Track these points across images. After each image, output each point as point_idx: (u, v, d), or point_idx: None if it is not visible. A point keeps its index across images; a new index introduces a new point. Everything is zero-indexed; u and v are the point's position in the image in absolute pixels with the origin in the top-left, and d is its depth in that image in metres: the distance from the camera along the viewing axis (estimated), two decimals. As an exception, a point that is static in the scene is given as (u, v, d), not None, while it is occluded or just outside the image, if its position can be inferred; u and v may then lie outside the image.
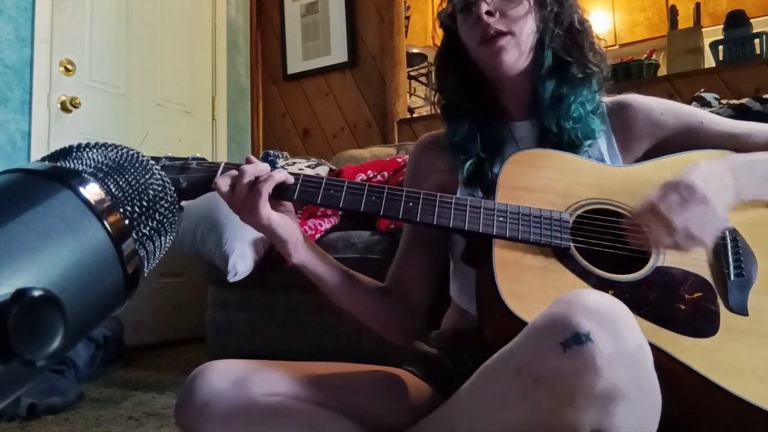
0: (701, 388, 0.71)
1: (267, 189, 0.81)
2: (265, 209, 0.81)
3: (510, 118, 1.00)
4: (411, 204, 0.82)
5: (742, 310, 0.77)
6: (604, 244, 0.80)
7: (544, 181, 0.86)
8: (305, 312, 1.99)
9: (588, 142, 0.93)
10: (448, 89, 1.02)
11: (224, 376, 0.78)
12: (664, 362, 0.67)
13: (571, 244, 0.79)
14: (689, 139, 0.94)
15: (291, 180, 0.84)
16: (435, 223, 0.81)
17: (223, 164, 0.85)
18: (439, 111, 1.05)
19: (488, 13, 0.90)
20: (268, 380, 0.80)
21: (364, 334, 1.53)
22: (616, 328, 0.58)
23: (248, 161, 0.85)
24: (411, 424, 0.83)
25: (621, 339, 0.58)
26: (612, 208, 0.84)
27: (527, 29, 0.93)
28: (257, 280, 1.99)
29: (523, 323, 0.68)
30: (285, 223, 0.85)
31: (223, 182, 0.82)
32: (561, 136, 0.93)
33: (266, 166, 0.83)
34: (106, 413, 1.67)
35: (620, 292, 0.75)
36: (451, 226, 0.81)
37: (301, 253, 0.88)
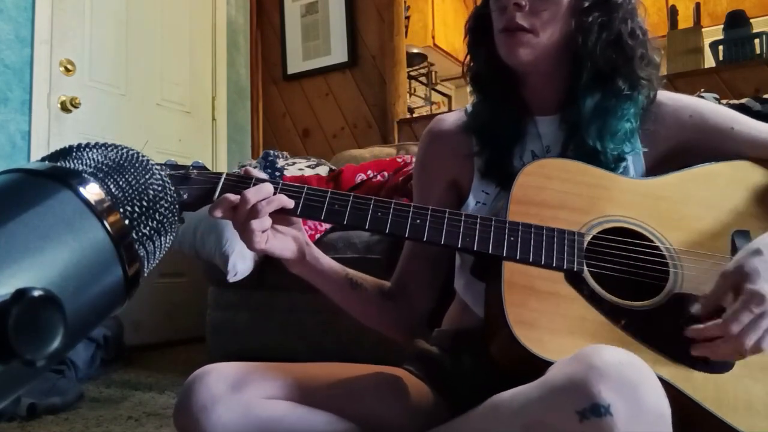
0: (712, 424, 0.69)
1: (259, 225, 0.78)
2: (258, 241, 0.79)
3: (532, 112, 0.96)
4: (419, 221, 0.79)
5: None
6: (619, 268, 0.76)
7: (559, 195, 0.81)
8: (305, 312, 1.99)
9: (623, 164, 0.88)
10: (479, 58, 0.96)
11: (222, 380, 0.77)
12: (675, 397, 0.66)
13: (585, 268, 0.76)
14: (717, 143, 0.90)
15: (290, 204, 0.80)
16: (443, 242, 0.78)
17: (223, 178, 0.81)
18: (468, 77, 0.99)
19: (517, 4, 0.86)
20: (265, 383, 0.80)
21: (364, 334, 1.53)
22: (637, 398, 0.56)
23: (247, 174, 0.81)
24: (410, 425, 0.83)
25: (642, 410, 0.56)
26: (630, 227, 0.80)
27: (553, 32, 0.87)
28: (257, 280, 2.00)
29: (530, 353, 0.67)
30: (282, 246, 0.83)
31: (224, 207, 0.78)
32: (597, 154, 0.87)
33: (269, 189, 0.79)
34: (106, 413, 1.67)
35: (633, 321, 0.73)
36: (459, 246, 0.78)
37: (300, 268, 0.88)
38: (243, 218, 0.78)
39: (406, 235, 0.78)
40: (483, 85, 0.97)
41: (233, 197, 0.78)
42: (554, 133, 0.93)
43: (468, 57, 0.99)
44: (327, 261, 0.91)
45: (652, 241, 0.79)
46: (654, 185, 0.85)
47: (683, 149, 0.91)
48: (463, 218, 0.78)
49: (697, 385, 0.70)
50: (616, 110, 0.88)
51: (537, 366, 0.67)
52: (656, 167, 0.92)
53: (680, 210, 0.82)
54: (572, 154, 0.89)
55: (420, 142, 1.05)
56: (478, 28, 0.96)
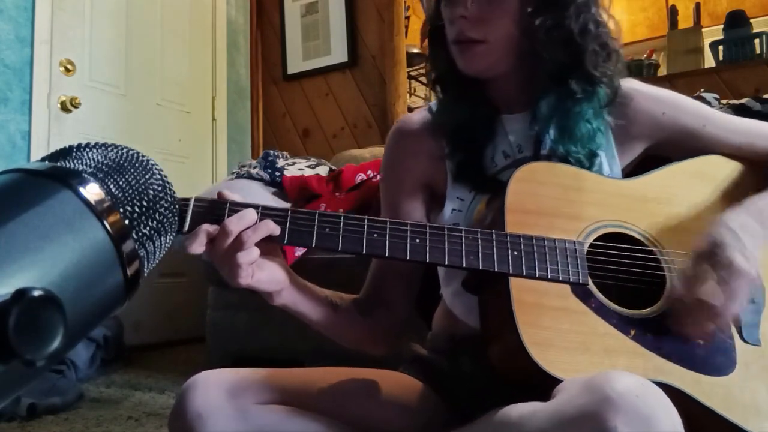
0: (721, 428, 0.70)
1: (246, 259, 0.69)
2: (245, 275, 0.70)
3: (499, 110, 0.93)
4: (418, 241, 0.74)
5: (755, 341, 0.76)
6: (618, 276, 0.77)
7: (553, 201, 0.80)
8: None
9: (597, 161, 0.87)
10: (440, 64, 0.93)
11: (217, 388, 0.76)
12: (687, 404, 0.67)
13: (590, 280, 0.75)
14: (691, 141, 0.89)
15: (277, 231, 0.71)
16: (447, 263, 0.73)
17: (192, 203, 0.70)
18: (430, 81, 0.96)
19: (463, 17, 0.84)
20: (261, 390, 0.79)
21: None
22: (651, 427, 0.55)
23: (221, 198, 0.72)
24: (410, 427, 0.83)
25: None
26: (623, 231, 0.80)
27: (503, 39, 0.85)
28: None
29: (548, 374, 0.67)
30: (268, 279, 0.75)
31: (199, 243, 0.68)
32: (567, 160, 0.85)
33: (252, 215, 0.70)
34: (106, 413, 1.67)
35: (642, 331, 0.73)
36: (464, 265, 0.74)
37: (283, 298, 0.79)
38: (225, 252, 0.69)
39: (408, 258, 0.73)
40: (447, 87, 0.94)
41: (211, 228, 0.69)
42: (523, 131, 0.91)
43: (428, 63, 0.97)
44: (309, 285, 0.84)
45: (645, 245, 0.80)
46: (639, 186, 0.85)
47: (658, 146, 0.91)
48: (463, 234, 0.75)
49: (707, 390, 0.71)
50: (572, 113, 0.85)
51: (548, 383, 0.67)
52: (633, 165, 0.92)
53: (667, 210, 0.83)
54: (546, 153, 0.88)
55: (387, 142, 0.99)
56: (435, 37, 0.93)
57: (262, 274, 0.73)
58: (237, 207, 0.71)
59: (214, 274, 2.06)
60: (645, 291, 0.77)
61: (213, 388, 0.76)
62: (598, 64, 0.84)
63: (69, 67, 2.58)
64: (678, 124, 0.89)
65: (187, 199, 0.70)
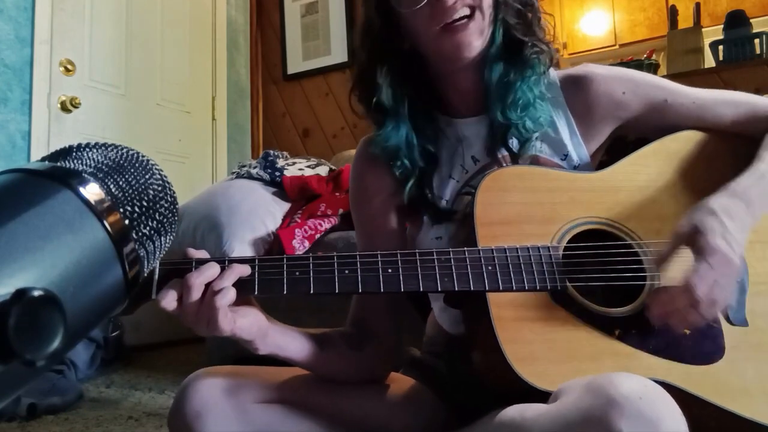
0: (715, 416, 0.70)
1: (223, 300, 0.66)
2: (226, 321, 0.67)
3: (457, 115, 0.90)
4: (390, 271, 0.72)
5: (742, 322, 0.76)
6: (598, 277, 0.75)
7: (520, 207, 0.78)
8: (305, 312, 1.99)
9: (536, 135, 0.85)
10: (381, 88, 0.86)
11: (215, 386, 0.76)
12: (678, 397, 0.67)
13: (568, 284, 0.74)
14: (655, 118, 0.88)
15: (247, 271, 0.70)
16: (422, 289, 0.72)
17: (156, 268, 0.68)
18: (367, 112, 0.91)
19: None
20: (259, 388, 0.79)
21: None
22: (656, 430, 0.55)
23: (188, 256, 0.70)
24: (409, 427, 0.83)
25: None
26: (599, 227, 0.79)
27: (488, 3, 0.82)
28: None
29: (536, 389, 0.66)
30: (249, 323, 0.71)
31: (168, 299, 0.66)
32: (508, 128, 0.84)
33: (215, 268, 0.68)
34: (106, 413, 1.67)
35: (626, 329, 0.73)
36: (440, 288, 0.73)
37: (269, 344, 0.75)
38: (196, 304, 0.66)
39: (382, 290, 0.71)
40: (388, 116, 0.88)
41: (174, 283, 0.67)
42: (476, 134, 0.89)
43: (364, 89, 0.90)
44: (292, 327, 0.80)
45: (622, 239, 0.78)
46: (609, 176, 0.83)
47: (627, 126, 0.89)
48: (435, 257, 0.73)
49: (698, 380, 0.71)
50: (519, 79, 0.84)
51: (539, 393, 0.66)
52: (601, 150, 0.91)
53: (640, 199, 0.81)
54: (499, 140, 0.86)
55: (352, 170, 0.95)
56: (373, 58, 0.88)
57: (243, 320, 0.70)
58: (202, 262, 0.69)
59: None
60: (627, 286, 0.76)
61: (211, 386, 0.76)
62: (541, 33, 0.85)
63: (69, 67, 2.58)
64: (639, 101, 0.88)
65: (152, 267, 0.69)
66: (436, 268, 0.73)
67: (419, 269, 0.72)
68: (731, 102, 0.89)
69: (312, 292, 0.71)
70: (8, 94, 2.37)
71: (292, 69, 3.46)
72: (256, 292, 0.70)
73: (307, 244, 1.94)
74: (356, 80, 0.90)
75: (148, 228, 0.39)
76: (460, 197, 0.88)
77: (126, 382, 2.08)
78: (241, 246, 1.91)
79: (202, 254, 0.71)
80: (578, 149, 0.88)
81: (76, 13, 2.65)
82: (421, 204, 0.87)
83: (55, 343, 0.28)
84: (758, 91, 2.35)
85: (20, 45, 2.43)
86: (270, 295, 0.70)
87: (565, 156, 0.87)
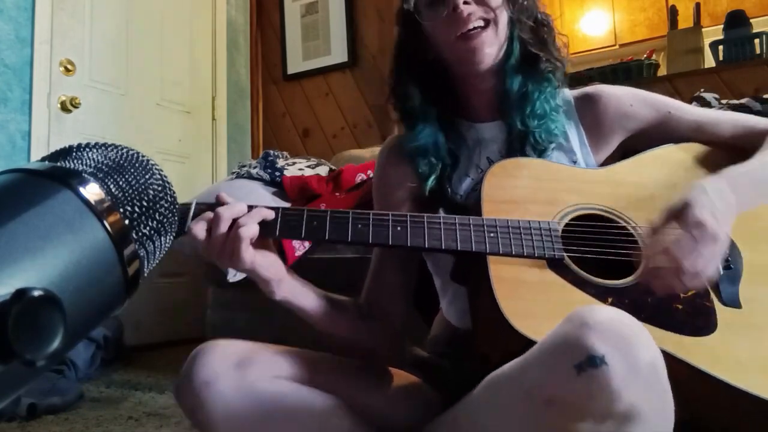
0: (706, 385, 0.71)
1: (248, 232, 0.74)
2: (248, 252, 0.74)
3: (477, 119, 0.97)
4: (399, 228, 0.78)
5: (735, 303, 0.78)
6: (595, 251, 0.79)
7: (525, 191, 0.85)
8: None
9: (552, 145, 0.92)
10: (410, 93, 0.95)
11: (226, 357, 0.77)
12: (670, 364, 0.68)
13: (565, 255, 0.78)
14: (661, 129, 0.94)
15: (271, 215, 0.77)
16: (427, 246, 0.78)
17: (194, 205, 0.77)
18: (398, 114, 0.99)
19: (465, 1, 0.87)
20: (270, 363, 0.80)
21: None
22: (630, 348, 0.57)
23: (220, 200, 0.77)
24: (408, 419, 0.83)
25: (636, 359, 0.57)
26: (597, 212, 0.84)
27: (504, 17, 0.90)
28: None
29: (531, 342, 0.67)
30: (269, 262, 0.78)
31: (199, 228, 0.74)
32: (527, 135, 0.91)
33: (243, 206, 0.76)
34: (106, 413, 1.67)
35: (619, 298, 0.75)
36: (443, 247, 0.78)
37: (285, 290, 0.81)
38: (222, 239, 0.73)
39: (390, 243, 0.78)
40: (417, 119, 0.95)
41: (208, 215, 0.75)
42: (496, 138, 0.96)
43: (396, 92, 0.97)
44: (307, 282, 0.86)
45: (619, 223, 0.83)
46: (610, 173, 0.90)
47: (629, 140, 0.96)
48: (441, 221, 0.79)
49: (690, 350, 0.72)
50: (535, 91, 0.92)
51: None
52: (609, 161, 0.96)
53: (639, 192, 0.86)
54: (517, 146, 0.92)
55: (377, 161, 1.03)
56: (402, 64, 0.97)
57: (263, 259, 0.77)
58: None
59: (214, 274, 2.07)
60: (622, 268, 0.79)
61: (222, 356, 0.77)
62: (555, 47, 0.94)
63: (69, 67, 2.58)
64: (646, 112, 0.95)
65: (189, 203, 0.77)
66: (442, 229, 0.79)
67: (426, 229, 0.79)
68: (731, 120, 0.95)
69: (327, 238, 0.78)
70: (8, 94, 2.37)
71: (292, 69, 3.46)
72: (277, 234, 0.77)
73: (306, 244, 1.94)
74: (391, 89, 0.99)
75: (148, 228, 0.39)
76: (473, 193, 0.93)
77: (126, 382, 2.08)
78: (241, 246, 1.91)
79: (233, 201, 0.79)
80: (587, 158, 0.94)
81: (76, 13, 2.65)
82: (439, 197, 0.93)
83: (55, 343, 0.28)
84: (758, 91, 2.36)
85: (20, 45, 2.43)
86: (288, 237, 0.78)
87: (574, 163, 0.94)
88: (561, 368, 0.58)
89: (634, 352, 0.57)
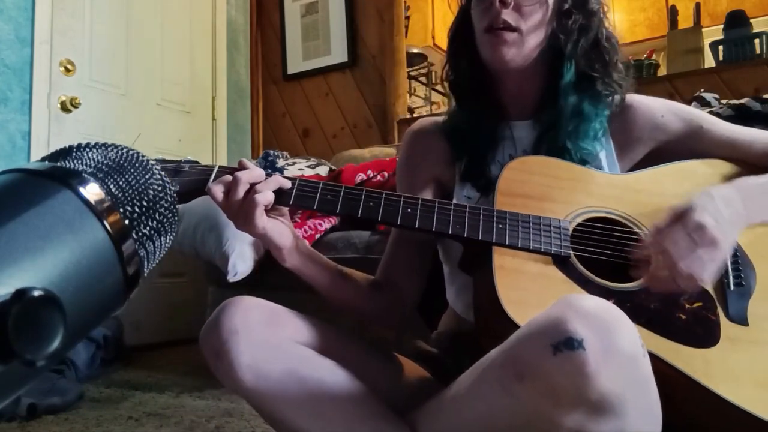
0: (699, 396, 0.70)
1: (263, 198, 0.78)
2: (262, 219, 0.78)
3: (509, 116, 0.98)
4: (409, 210, 0.80)
5: (742, 320, 0.77)
6: (603, 252, 0.79)
7: (542, 188, 0.84)
8: (305, 312, 1.99)
9: (596, 161, 0.91)
10: (459, 69, 0.99)
11: (257, 311, 0.79)
12: (663, 370, 0.67)
13: (571, 253, 0.78)
14: (690, 143, 0.93)
15: (288, 184, 0.80)
16: (434, 229, 0.79)
17: (216, 168, 0.81)
18: (448, 85, 1.02)
19: (502, 2, 0.88)
20: (294, 326, 0.82)
21: (364, 333, 1.52)
22: (611, 337, 0.57)
23: (242, 165, 0.81)
24: (408, 406, 0.84)
25: (615, 349, 0.57)
26: (611, 216, 0.83)
27: (536, 32, 0.90)
28: (257, 280, 1.99)
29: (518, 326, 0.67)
30: (280, 230, 0.82)
31: (217, 189, 0.78)
32: (563, 153, 0.90)
33: (261, 172, 0.79)
34: (106, 413, 1.67)
35: (620, 301, 0.74)
36: (450, 232, 0.79)
37: (296, 258, 0.85)
38: (239, 201, 0.77)
39: (398, 223, 0.80)
40: (462, 93, 1.00)
41: (227, 178, 0.78)
42: (526, 137, 0.96)
43: (448, 65, 1.01)
44: (317, 252, 0.91)
45: (631, 228, 0.82)
46: (630, 180, 0.89)
47: (656, 152, 0.94)
48: (452, 207, 0.80)
49: (686, 359, 0.72)
50: (592, 112, 0.91)
51: None
52: (633, 170, 0.95)
53: (656, 201, 0.85)
54: (544, 152, 0.92)
55: (403, 141, 1.07)
56: (460, 35, 0.98)
57: (276, 226, 0.81)
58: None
59: (214, 274, 2.07)
60: (630, 274, 0.79)
61: (252, 309, 0.78)
62: (617, 72, 0.92)
63: (69, 67, 2.57)
64: (676, 125, 0.93)
65: (212, 166, 0.82)
66: (451, 215, 0.80)
67: (436, 213, 0.80)
68: (764, 138, 0.93)
69: (338, 211, 0.80)
70: (8, 94, 2.37)
71: (292, 69, 3.46)
72: (290, 203, 0.80)
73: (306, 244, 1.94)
74: (445, 65, 1.02)
75: (148, 228, 0.39)
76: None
77: (126, 382, 2.08)
78: (241, 246, 1.91)
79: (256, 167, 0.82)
80: (612, 168, 0.94)
81: (76, 13, 2.64)
82: (473, 171, 0.95)
83: (55, 343, 0.28)
84: (758, 91, 2.36)
85: (20, 45, 2.42)
86: (301, 207, 0.81)
87: (599, 170, 0.93)
88: (537, 344, 0.59)
89: (614, 341, 0.57)
